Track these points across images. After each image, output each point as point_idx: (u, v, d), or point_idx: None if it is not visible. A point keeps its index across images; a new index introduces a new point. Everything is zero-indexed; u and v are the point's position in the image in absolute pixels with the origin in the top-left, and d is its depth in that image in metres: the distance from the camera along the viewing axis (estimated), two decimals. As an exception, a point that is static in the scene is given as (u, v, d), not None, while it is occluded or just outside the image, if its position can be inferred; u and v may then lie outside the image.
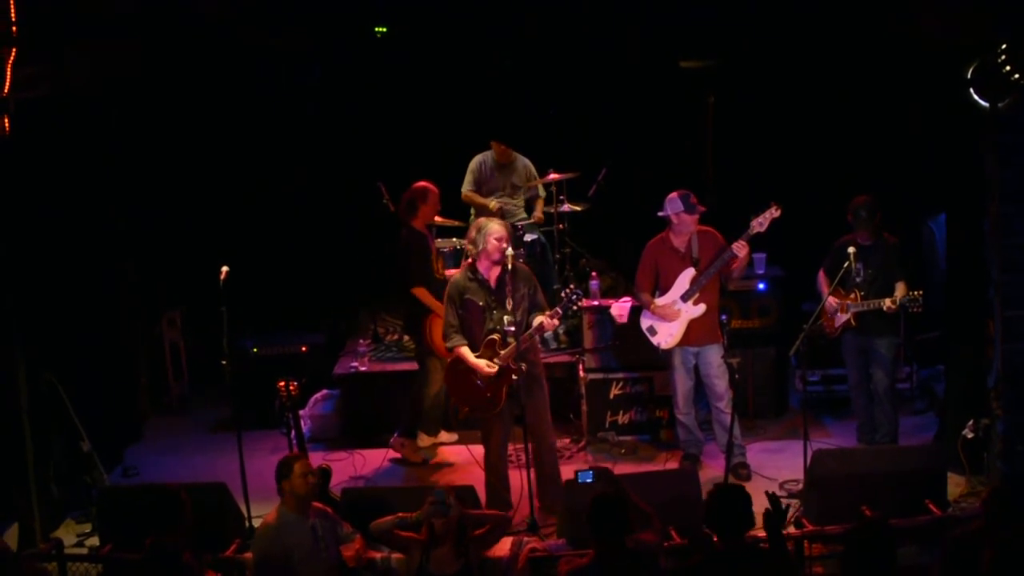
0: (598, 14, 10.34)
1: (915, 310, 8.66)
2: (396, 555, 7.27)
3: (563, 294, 8.35)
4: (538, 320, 8.14)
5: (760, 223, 8.58)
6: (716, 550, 6.15)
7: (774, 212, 8.57)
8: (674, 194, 8.77)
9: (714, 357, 8.81)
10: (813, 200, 10.51)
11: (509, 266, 8.12)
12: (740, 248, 8.60)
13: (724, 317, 8.64)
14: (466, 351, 8.26)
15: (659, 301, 8.87)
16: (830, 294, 8.83)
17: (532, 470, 8.17)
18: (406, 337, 10.48)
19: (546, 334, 9.29)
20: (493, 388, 8.23)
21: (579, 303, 8.35)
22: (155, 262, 11.04)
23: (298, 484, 6.81)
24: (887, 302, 8.65)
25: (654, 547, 6.38)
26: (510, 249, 8.12)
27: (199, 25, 9.37)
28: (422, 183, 9.47)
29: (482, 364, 8.18)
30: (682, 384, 9.00)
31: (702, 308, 8.78)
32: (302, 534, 6.79)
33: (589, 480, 6.85)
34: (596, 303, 10.03)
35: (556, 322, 8.37)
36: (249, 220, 11.54)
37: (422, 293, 9.28)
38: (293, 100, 11.31)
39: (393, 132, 11.56)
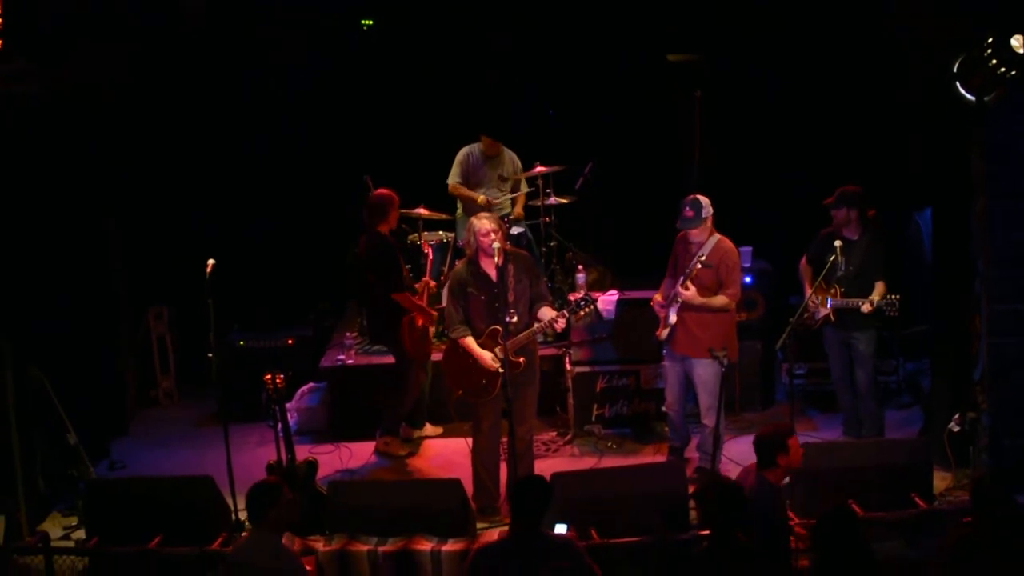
0: (586, 8, 10.33)
1: (892, 314, 8.66)
2: (384, 547, 7.27)
3: (571, 298, 8.31)
4: (549, 315, 8.14)
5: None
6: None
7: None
8: None
9: (698, 370, 8.67)
10: (800, 194, 10.51)
11: (498, 260, 8.07)
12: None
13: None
14: (471, 341, 8.25)
15: (661, 296, 8.82)
16: (814, 288, 8.83)
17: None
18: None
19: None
20: (489, 376, 8.20)
21: (586, 310, 8.32)
22: (143, 255, 11.00)
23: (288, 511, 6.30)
24: (865, 306, 8.65)
25: (574, 543, 6.26)
26: (497, 243, 8.07)
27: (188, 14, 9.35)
28: (385, 190, 9.45)
29: (487, 356, 8.17)
30: (671, 378, 8.95)
31: (674, 319, 8.65)
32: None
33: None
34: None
35: (563, 323, 8.37)
36: (235, 213, 11.49)
37: (404, 298, 9.27)
38: (281, 91, 11.27)
39: (380, 124, 11.53)
